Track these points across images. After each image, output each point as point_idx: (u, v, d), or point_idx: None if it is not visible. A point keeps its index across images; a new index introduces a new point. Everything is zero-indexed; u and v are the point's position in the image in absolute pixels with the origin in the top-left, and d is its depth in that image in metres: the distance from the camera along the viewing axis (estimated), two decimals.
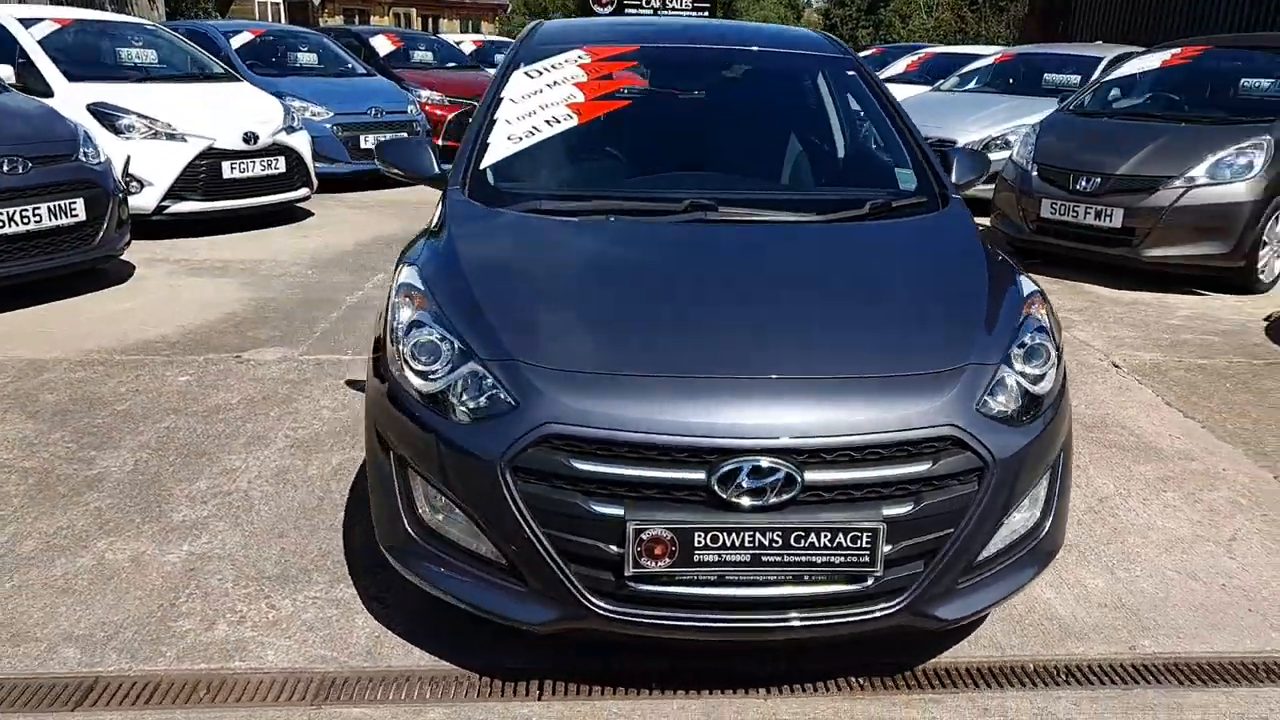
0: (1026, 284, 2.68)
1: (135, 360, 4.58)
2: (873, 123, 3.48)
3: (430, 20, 31.70)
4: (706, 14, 28.98)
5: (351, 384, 4.33)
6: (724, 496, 2.05)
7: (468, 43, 17.50)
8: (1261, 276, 6.24)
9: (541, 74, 3.43)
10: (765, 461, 2.05)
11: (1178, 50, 7.48)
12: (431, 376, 2.31)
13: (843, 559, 2.10)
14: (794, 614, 2.15)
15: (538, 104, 3.30)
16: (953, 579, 2.23)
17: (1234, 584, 2.90)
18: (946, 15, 35.06)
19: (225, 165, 7.47)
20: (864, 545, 2.09)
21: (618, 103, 3.32)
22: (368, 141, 9.98)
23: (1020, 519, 2.35)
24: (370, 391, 2.53)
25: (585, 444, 2.09)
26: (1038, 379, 2.37)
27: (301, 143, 8.19)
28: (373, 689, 2.37)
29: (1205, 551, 3.08)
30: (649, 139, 3.52)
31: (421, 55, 13.59)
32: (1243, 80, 6.98)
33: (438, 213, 3.14)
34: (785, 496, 2.06)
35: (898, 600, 2.18)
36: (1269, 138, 6.07)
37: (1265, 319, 5.71)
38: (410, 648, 2.52)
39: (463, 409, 2.24)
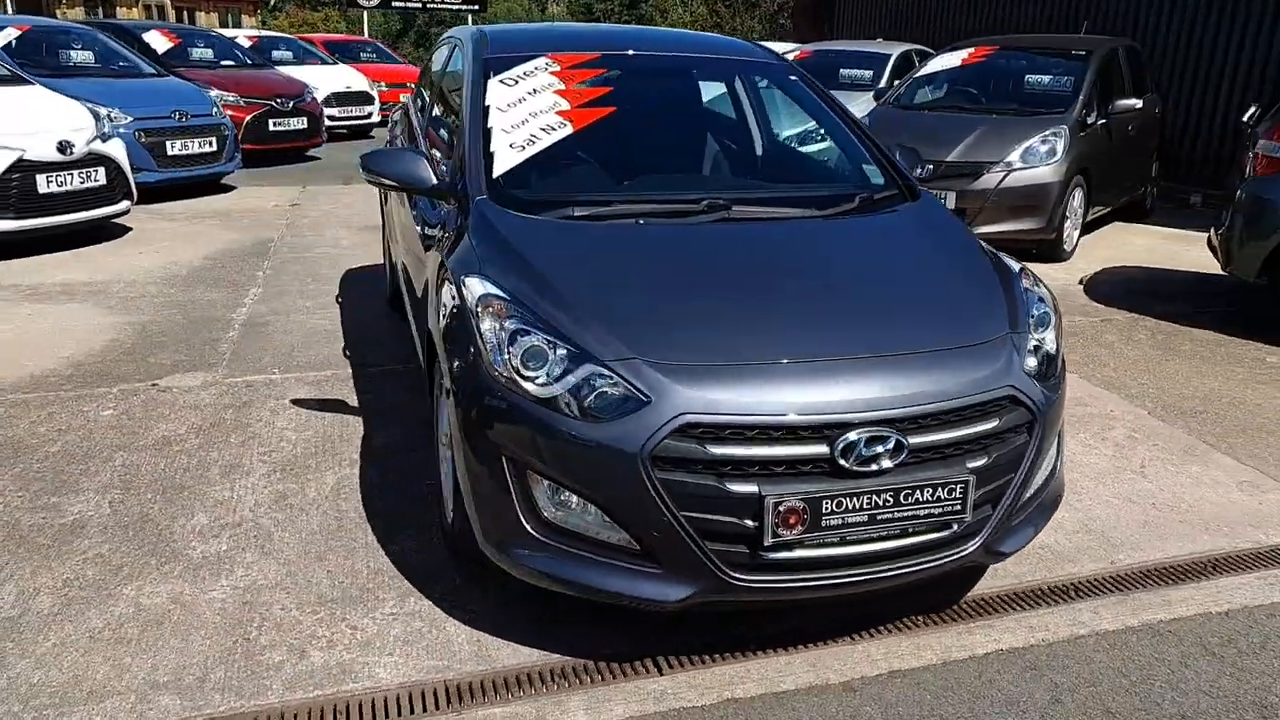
0: (1012, 262, 3.10)
1: (37, 398, 4.18)
2: (824, 123, 3.80)
3: (186, 13, 29.20)
4: (477, 9, 28.89)
5: (298, 403, 4.18)
6: (845, 465, 2.31)
7: (241, 38, 16.49)
8: (1065, 246, 7.25)
9: (518, 82, 3.50)
10: (879, 431, 2.32)
11: (972, 50, 8.45)
12: (541, 381, 2.39)
13: (941, 509, 2.41)
14: (902, 562, 2.44)
15: (526, 112, 3.38)
16: (1009, 518, 2.60)
17: (1160, 501, 3.50)
18: (702, 10, 36.79)
19: (41, 179, 6.79)
20: (958, 495, 2.41)
21: (604, 109, 3.45)
22: (174, 148, 9.32)
23: (1047, 463, 2.76)
24: (462, 402, 2.55)
25: (719, 429, 2.28)
26: (1050, 341, 2.79)
27: (118, 151, 7.54)
28: (500, 689, 2.43)
29: (1128, 479, 3.67)
30: (643, 143, 3.66)
31: (201, 52, 12.74)
32: (1027, 77, 8.02)
33: (449, 224, 3.16)
34: (897, 460, 2.34)
35: (975, 540, 2.52)
36: (1064, 126, 7.05)
37: (1079, 281, 6.66)
38: (515, 646, 2.59)
39: (580, 408, 2.35)
